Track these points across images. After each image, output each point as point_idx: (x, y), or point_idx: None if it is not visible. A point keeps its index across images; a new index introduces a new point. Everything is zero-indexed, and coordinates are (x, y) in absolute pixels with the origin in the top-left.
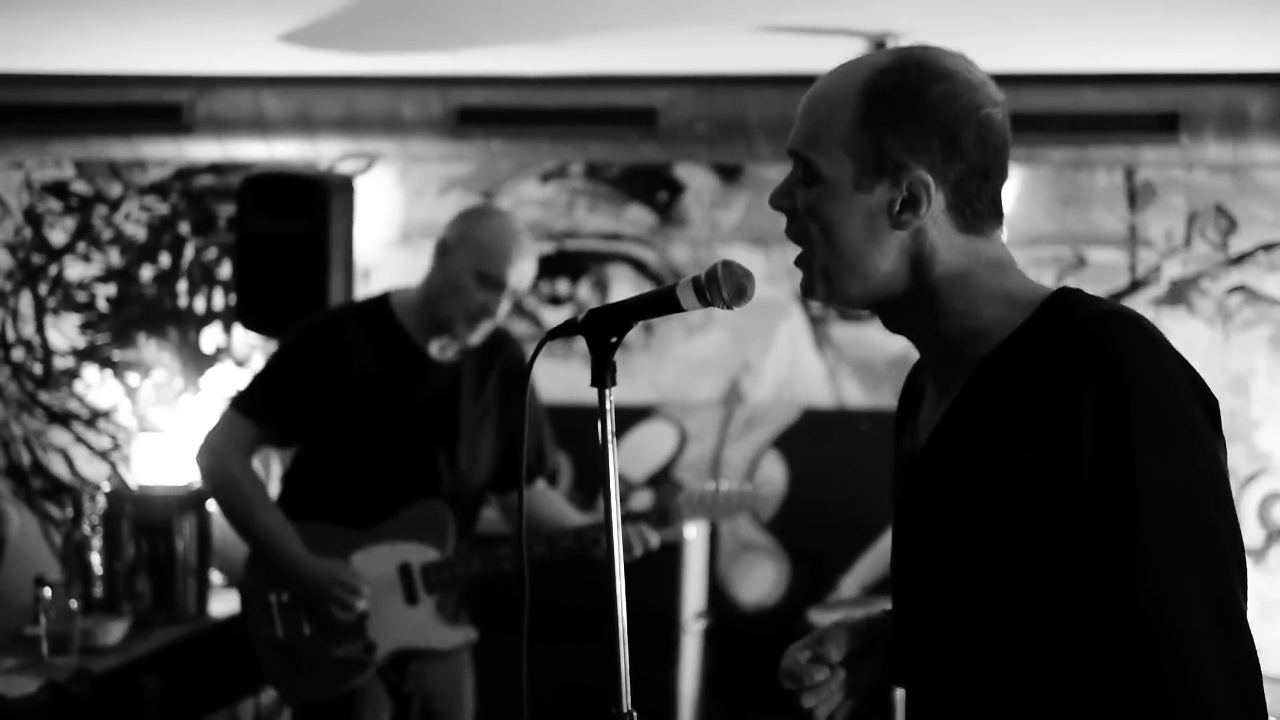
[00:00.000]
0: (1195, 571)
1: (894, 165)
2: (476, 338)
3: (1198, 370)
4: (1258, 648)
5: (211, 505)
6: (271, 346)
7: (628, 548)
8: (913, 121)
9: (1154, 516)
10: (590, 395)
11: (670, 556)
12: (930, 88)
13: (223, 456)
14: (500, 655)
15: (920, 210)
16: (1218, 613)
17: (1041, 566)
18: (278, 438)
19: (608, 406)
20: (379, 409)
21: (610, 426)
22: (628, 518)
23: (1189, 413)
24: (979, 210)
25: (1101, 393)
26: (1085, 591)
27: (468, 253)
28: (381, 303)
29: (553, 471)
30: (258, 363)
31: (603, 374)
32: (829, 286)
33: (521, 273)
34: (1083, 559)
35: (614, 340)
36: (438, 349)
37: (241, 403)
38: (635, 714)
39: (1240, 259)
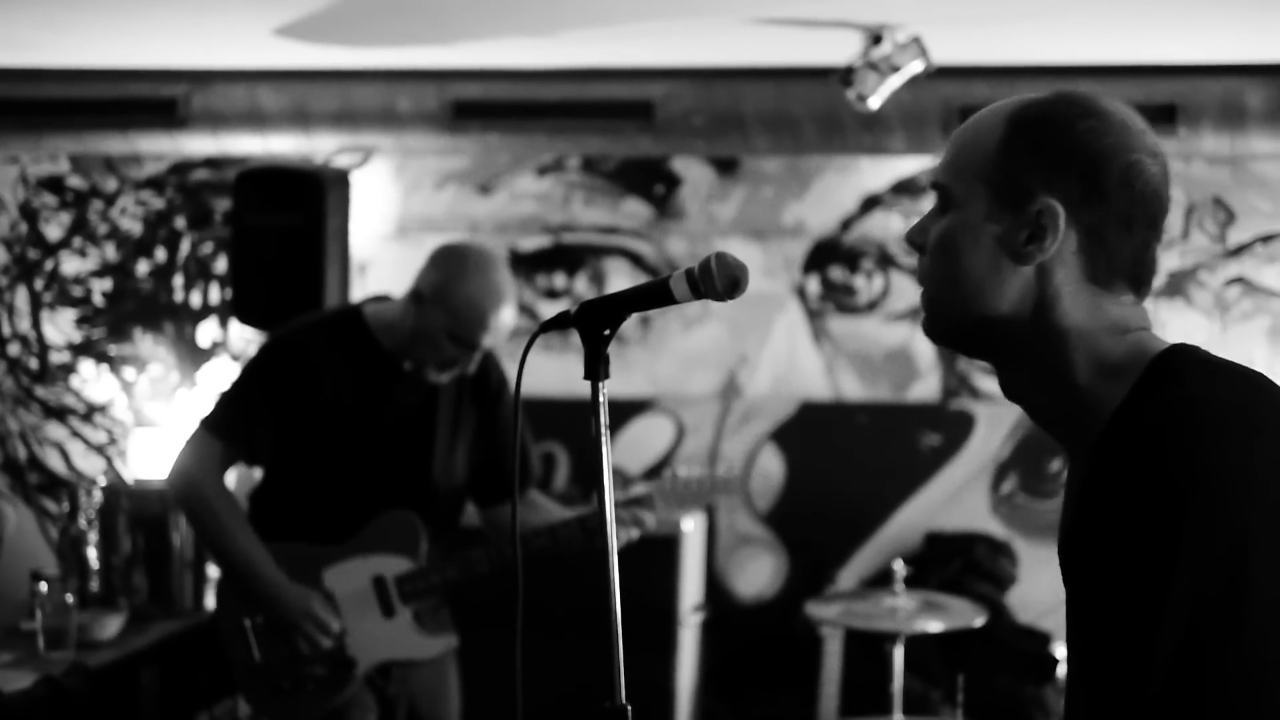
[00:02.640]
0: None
1: (1026, 195)
2: (445, 378)
3: None
4: None
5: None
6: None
7: (631, 525)
8: (1052, 152)
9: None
10: (586, 388)
11: (667, 550)
12: (1078, 122)
13: (194, 479)
14: (487, 652)
15: (1046, 243)
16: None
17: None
18: (248, 456)
19: (601, 399)
20: (352, 423)
21: (604, 419)
22: (622, 505)
23: (1249, 517)
24: (1113, 263)
25: (1152, 505)
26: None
27: (442, 313)
28: (354, 316)
29: (537, 480)
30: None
31: (596, 366)
32: (948, 322)
33: (497, 331)
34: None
35: (607, 332)
36: (411, 365)
37: (210, 423)
38: (630, 707)
39: (1238, 250)
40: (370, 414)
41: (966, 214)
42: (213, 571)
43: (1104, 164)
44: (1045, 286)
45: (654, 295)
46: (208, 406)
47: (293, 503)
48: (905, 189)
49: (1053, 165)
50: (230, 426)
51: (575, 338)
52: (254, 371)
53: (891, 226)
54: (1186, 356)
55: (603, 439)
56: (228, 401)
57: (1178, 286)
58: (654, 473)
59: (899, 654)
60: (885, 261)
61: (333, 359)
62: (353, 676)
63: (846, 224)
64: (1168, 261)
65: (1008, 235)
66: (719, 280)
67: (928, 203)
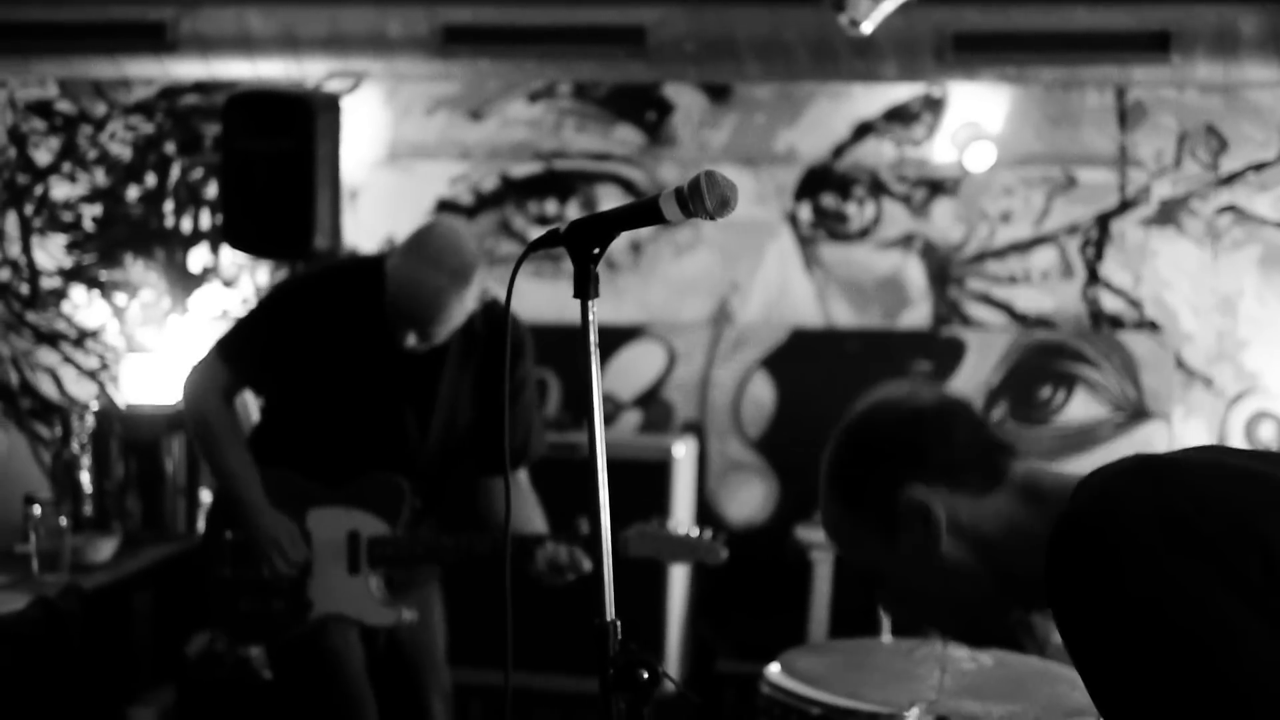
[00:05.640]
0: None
1: None
2: (438, 339)
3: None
4: None
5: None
6: (258, 265)
7: (561, 569)
8: None
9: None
10: (578, 314)
11: (659, 475)
12: None
13: (200, 395)
14: (473, 580)
15: None
16: None
17: None
18: (252, 386)
19: (590, 318)
20: (355, 368)
21: (594, 338)
22: (571, 539)
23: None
24: None
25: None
26: None
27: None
28: (374, 268)
29: (535, 459)
30: (245, 283)
31: (585, 285)
32: None
33: (446, 323)
34: None
35: (596, 251)
36: None
37: (222, 348)
38: (619, 623)
39: (1230, 179)
40: (375, 367)
41: None
42: (205, 496)
43: None
44: None
45: (644, 214)
46: (223, 330)
47: (294, 433)
48: (897, 116)
49: None
50: (238, 354)
51: (567, 264)
52: (268, 305)
53: (884, 153)
54: None
55: (593, 357)
56: (240, 330)
57: (1169, 214)
58: (646, 399)
59: None
60: (877, 189)
61: (345, 307)
62: (306, 618)
63: (839, 151)
64: (1160, 189)
65: None
66: (709, 198)
67: (920, 129)
